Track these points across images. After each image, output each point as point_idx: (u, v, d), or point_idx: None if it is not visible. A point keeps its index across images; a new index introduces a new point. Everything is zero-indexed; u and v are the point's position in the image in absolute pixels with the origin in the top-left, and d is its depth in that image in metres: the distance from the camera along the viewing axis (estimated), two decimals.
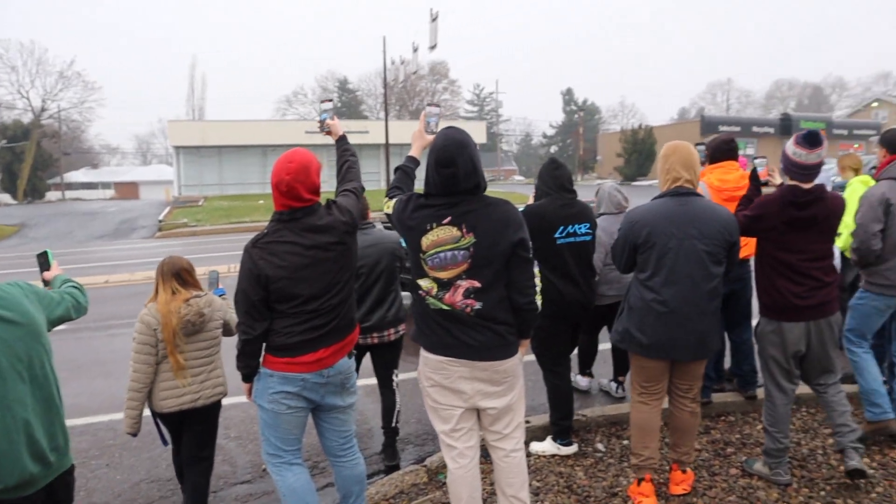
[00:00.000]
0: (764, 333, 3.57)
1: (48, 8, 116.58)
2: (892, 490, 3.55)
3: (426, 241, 2.70)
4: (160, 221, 25.16)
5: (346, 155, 3.37)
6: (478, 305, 2.68)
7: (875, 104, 59.44)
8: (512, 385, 2.81)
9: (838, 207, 3.40)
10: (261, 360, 2.96)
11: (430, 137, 3.03)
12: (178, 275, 3.45)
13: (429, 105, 3.21)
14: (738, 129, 46.45)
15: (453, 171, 2.63)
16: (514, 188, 41.44)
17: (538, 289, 2.77)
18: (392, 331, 4.22)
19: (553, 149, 79.45)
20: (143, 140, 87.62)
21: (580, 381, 5.31)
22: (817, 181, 3.41)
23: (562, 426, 4.15)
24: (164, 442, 3.59)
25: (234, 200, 32.98)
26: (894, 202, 3.89)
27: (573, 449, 4.15)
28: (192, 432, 3.52)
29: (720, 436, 4.31)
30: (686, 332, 3.28)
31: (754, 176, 3.74)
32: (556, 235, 3.94)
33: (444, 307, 2.72)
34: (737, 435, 4.31)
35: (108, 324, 8.74)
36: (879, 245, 3.92)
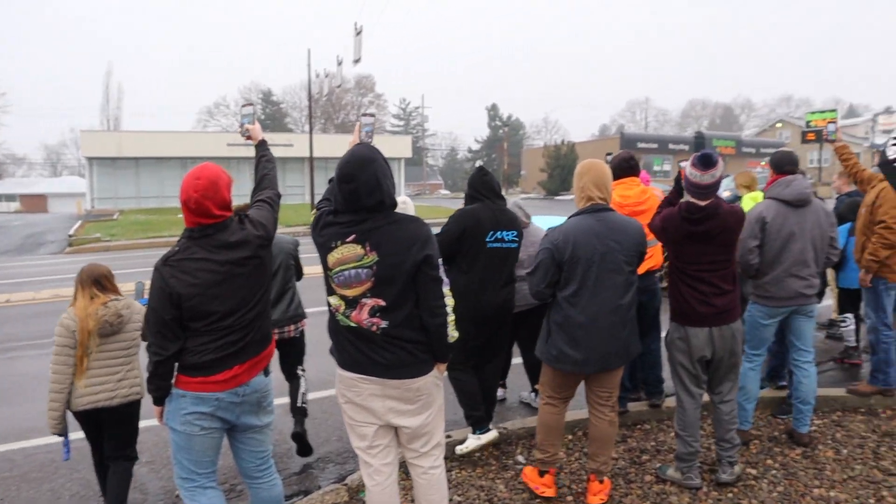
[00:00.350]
0: (672, 339, 3.75)
1: None
2: (792, 489, 3.74)
3: (332, 258, 2.69)
4: (70, 236, 23.86)
5: (262, 161, 3.31)
6: (384, 324, 2.67)
7: (779, 125, 63.09)
8: (427, 404, 2.80)
9: (734, 221, 3.58)
10: (173, 380, 2.84)
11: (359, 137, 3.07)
12: (98, 281, 3.58)
13: (363, 115, 3.21)
14: (655, 145, 48.24)
15: (354, 187, 2.62)
16: (439, 202, 41.69)
17: (450, 308, 2.73)
18: (292, 327, 4.47)
19: (478, 163, 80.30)
20: (52, 150, 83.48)
21: (497, 392, 5.36)
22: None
23: (475, 417, 4.25)
24: (67, 454, 3.59)
25: (151, 214, 31.81)
26: (769, 220, 4.11)
27: (493, 434, 4.26)
28: (113, 434, 3.61)
29: (636, 444, 4.43)
30: (614, 340, 3.41)
31: (678, 179, 3.90)
32: (487, 239, 4.07)
33: (352, 325, 2.71)
34: (652, 442, 4.44)
35: (7, 346, 8.17)
36: (756, 260, 4.15)
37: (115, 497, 3.58)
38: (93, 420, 3.56)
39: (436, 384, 2.83)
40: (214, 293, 2.74)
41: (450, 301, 2.73)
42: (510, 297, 4.24)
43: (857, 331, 6.23)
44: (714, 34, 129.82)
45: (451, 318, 2.72)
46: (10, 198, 62.52)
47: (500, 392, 5.37)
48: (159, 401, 2.88)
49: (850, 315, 6.13)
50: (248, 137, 3.42)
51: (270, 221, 3.02)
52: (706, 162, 3.46)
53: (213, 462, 2.93)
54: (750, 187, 6.81)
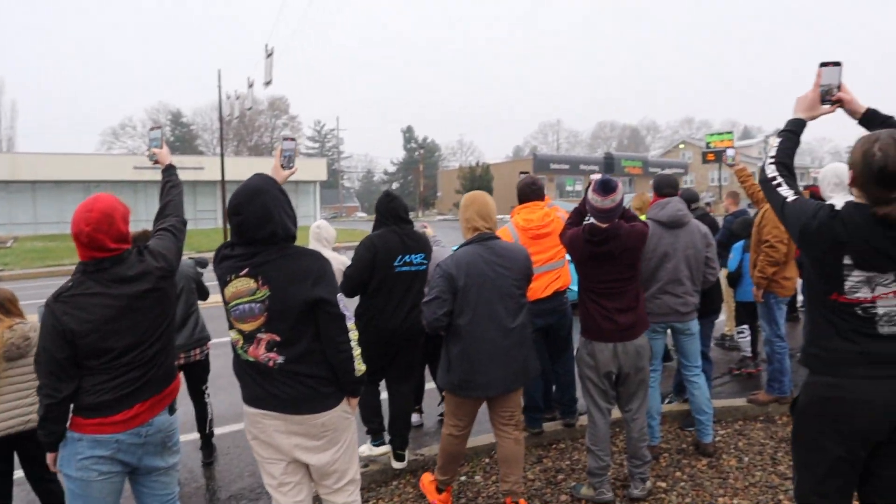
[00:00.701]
0: (581, 355, 3.88)
1: None
2: (699, 499, 3.89)
3: (227, 292, 2.65)
4: None
5: (167, 187, 3.18)
6: (280, 359, 2.62)
7: (682, 146, 66.32)
8: (334, 440, 2.74)
9: (635, 241, 3.73)
10: (67, 423, 2.64)
11: (288, 172, 3.00)
12: (2, 305, 3.50)
13: (284, 139, 3.12)
14: (567, 166, 49.73)
15: (243, 220, 2.59)
16: (356, 225, 41.47)
17: (355, 342, 2.68)
18: (197, 350, 4.59)
19: (395, 185, 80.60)
20: None
21: (413, 417, 5.35)
22: None
23: (370, 428, 4.49)
24: None
25: (50, 241, 30.15)
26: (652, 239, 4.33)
27: (384, 449, 4.47)
28: (30, 458, 3.54)
29: (552, 464, 4.49)
30: (513, 362, 3.53)
31: (582, 201, 4.01)
32: (395, 264, 4.15)
33: (251, 359, 2.65)
34: (567, 462, 4.51)
35: None
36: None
37: None
38: (7, 446, 3.46)
39: (344, 419, 2.77)
40: (112, 329, 2.59)
41: (354, 335, 2.68)
42: (418, 319, 4.25)
43: (754, 342, 6.57)
44: (622, 58, 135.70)
45: (356, 351, 2.67)
46: None
47: (415, 417, 5.35)
48: (53, 446, 2.66)
49: (746, 327, 6.45)
50: (156, 162, 3.30)
51: (173, 251, 2.89)
52: (606, 188, 3.62)
53: None
54: (641, 209, 7.09)
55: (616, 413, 4.10)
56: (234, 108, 28.29)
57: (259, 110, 70.32)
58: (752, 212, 6.55)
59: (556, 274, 4.72)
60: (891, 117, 2.41)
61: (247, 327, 2.62)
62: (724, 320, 7.66)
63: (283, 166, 3.03)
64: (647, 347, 3.84)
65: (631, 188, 50.09)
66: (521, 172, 5.46)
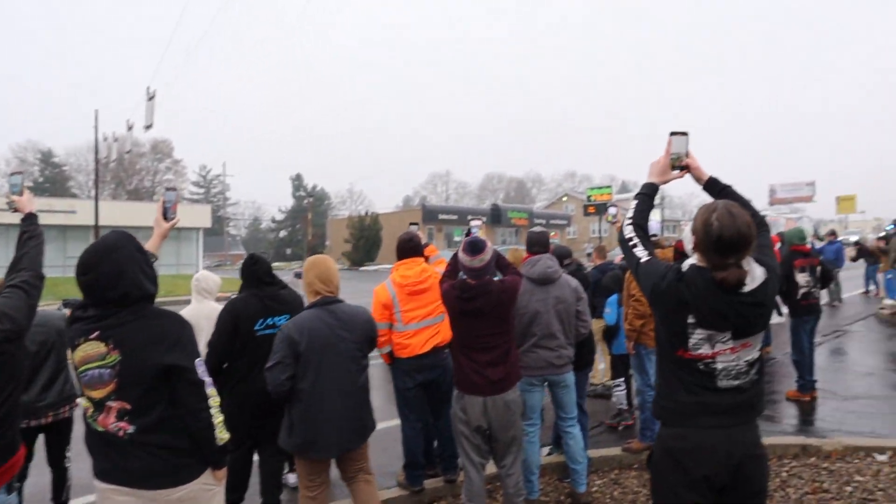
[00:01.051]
0: (454, 409, 3.94)
1: None
2: None
3: (77, 356, 2.48)
4: None
5: (24, 238, 2.88)
6: (131, 429, 2.45)
7: (565, 198, 69.50)
8: None
9: (506, 298, 3.84)
10: None
11: (169, 225, 2.98)
12: None
13: (167, 189, 3.06)
14: (455, 216, 50.65)
15: (92, 280, 2.47)
16: None
17: (216, 409, 2.56)
18: (67, 408, 4.34)
19: (282, 233, 79.13)
20: None
21: (290, 478, 5.16)
22: None
23: (230, 500, 4.11)
24: None
25: None
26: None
27: None
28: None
29: None
30: (354, 422, 3.68)
31: (454, 257, 4.11)
32: (257, 328, 4.09)
33: (100, 429, 2.48)
34: None
35: None
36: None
37: None
38: None
39: (205, 492, 2.59)
40: None
41: (215, 401, 2.56)
42: None
43: (629, 394, 6.79)
44: (508, 113, 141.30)
45: (218, 419, 2.55)
46: None
47: (291, 478, 5.15)
48: None
49: (622, 380, 6.64)
50: (15, 210, 3.03)
51: (22, 310, 2.61)
52: (474, 249, 3.79)
53: None
54: (515, 264, 7.25)
55: (493, 467, 4.13)
56: (111, 149, 26.97)
57: (140, 153, 67.43)
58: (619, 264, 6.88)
59: (436, 329, 4.76)
60: (728, 186, 2.65)
61: (96, 394, 2.46)
62: (603, 369, 7.93)
63: (165, 217, 2.98)
64: (517, 402, 3.91)
65: (517, 238, 51.64)
66: (412, 223, 5.51)
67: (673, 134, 2.66)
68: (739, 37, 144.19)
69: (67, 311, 4.50)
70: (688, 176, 2.69)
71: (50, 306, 5.32)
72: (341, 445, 3.63)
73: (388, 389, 5.08)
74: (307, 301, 3.80)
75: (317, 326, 3.58)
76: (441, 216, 50.03)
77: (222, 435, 2.56)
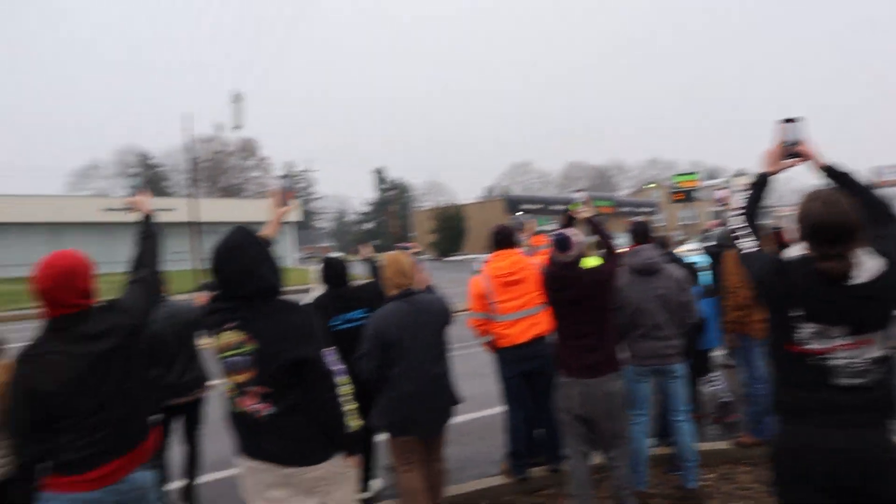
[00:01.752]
0: (556, 395, 4.02)
1: None
2: None
3: (217, 343, 2.66)
4: None
5: (142, 237, 3.08)
6: (269, 411, 2.61)
7: (652, 185, 67.61)
8: (327, 494, 2.69)
9: (600, 286, 3.89)
10: (39, 484, 2.56)
11: (283, 210, 3.17)
12: None
13: (278, 177, 3.24)
14: (539, 206, 50.24)
15: (222, 277, 2.65)
16: None
17: (345, 398, 2.67)
18: (197, 391, 4.71)
19: (368, 225, 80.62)
20: None
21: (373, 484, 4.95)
22: None
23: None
24: None
25: (16, 284, 29.40)
26: (623, 287, 4.40)
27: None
28: None
29: None
30: (442, 401, 3.96)
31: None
32: (334, 323, 4.49)
33: (241, 410, 2.66)
34: None
35: None
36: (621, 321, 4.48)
37: None
38: None
39: (339, 474, 2.72)
40: (77, 389, 2.55)
41: (346, 390, 2.67)
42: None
43: (723, 388, 6.46)
44: (590, 100, 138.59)
45: (349, 406, 2.66)
46: None
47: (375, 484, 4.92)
48: None
49: (718, 374, 6.38)
50: (133, 210, 3.20)
51: (142, 305, 2.84)
52: (562, 246, 3.90)
53: None
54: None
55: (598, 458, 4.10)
56: (203, 150, 28.23)
57: (229, 152, 70.15)
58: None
59: (535, 319, 4.77)
60: (847, 173, 2.51)
61: (237, 379, 2.63)
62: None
63: (278, 205, 3.14)
64: (618, 393, 3.87)
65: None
66: (517, 212, 5.58)
67: (784, 121, 2.59)
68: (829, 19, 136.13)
69: (202, 295, 4.89)
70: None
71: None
72: (432, 425, 3.92)
73: (491, 378, 5.10)
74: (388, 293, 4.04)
75: (399, 317, 3.86)
76: (524, 206, 49.73)
77: (353, 422, 2.67)
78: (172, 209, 38.39)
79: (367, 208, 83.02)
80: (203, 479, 4.94)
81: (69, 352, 2.57)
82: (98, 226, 36.56)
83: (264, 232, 3.01)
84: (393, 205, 65.45)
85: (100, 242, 34.75)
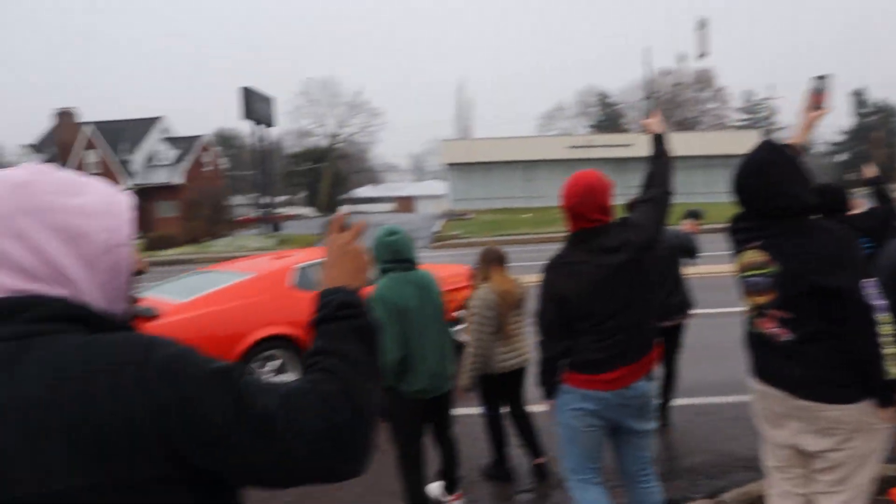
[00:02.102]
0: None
1: (341, 51, 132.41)
2: None
3: (740, 262, 2.64)
4: (434, 233, 27.09)
5: (652, 157, 3.17)
6: (788, 336, 2.47)
7: None
8: (845, 441, 2.38)
9: None
10: (560, 376, 2.97)
11: (815, 115, 2.92)
12: (502, 260, 4.31)
13: (816, 78, 2.95)
14: None
15: (745, 197, 2.60)
16: None
17: (887, 339, 2.25)
18: (680, 317, 4.89)
19: (841, 157, 70.50)
20: (417, 158, 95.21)
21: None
22: None
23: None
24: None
25: (500, 214, 34.23)
26: None
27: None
28: (517, 394, 4.37)
29: None
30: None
31: None
32: None
33: (759, 331, 2.62)
34: None
35: None
36: None
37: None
38: (501, 381, 4.22)
39: (865, 423, 2.36)
40: (595, 295, 2.81)
41: (887, 329, 2.26)
42: None
43: None
44: None
45: (889, 350, 2.25)
46: (387, 200, 72.90)
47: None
48: (550, 394, 3.03)
49: None
50: (647, 131, 3.27)
51: (652, 223, 2.95)
52: None
53: (597, 458, 3.02)
54: None
55: None
56: (660, 85, 28.07)
57: (685, 85, 68.30)
58: None
59: None
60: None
61: (756, 300, 2.59)
62: None
63: (809, 109, 2.92)
64: None
65: None
66: None
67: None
68: None
69: (687, 223, 5.06)
70: None
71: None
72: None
73: None
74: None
75: None
76: None
77: (892, 369, 2.26)
78: (628, 145, 39.61)
79: (840, 137, 72.53)
80: (676, 402, 5.14)
81: (589, 261, 2.82)
82: (564, 162, 39.89)
83: (793, 140, 2.89)
84: (877, 131, 55.66)
85: (564, 177, 37.88)
